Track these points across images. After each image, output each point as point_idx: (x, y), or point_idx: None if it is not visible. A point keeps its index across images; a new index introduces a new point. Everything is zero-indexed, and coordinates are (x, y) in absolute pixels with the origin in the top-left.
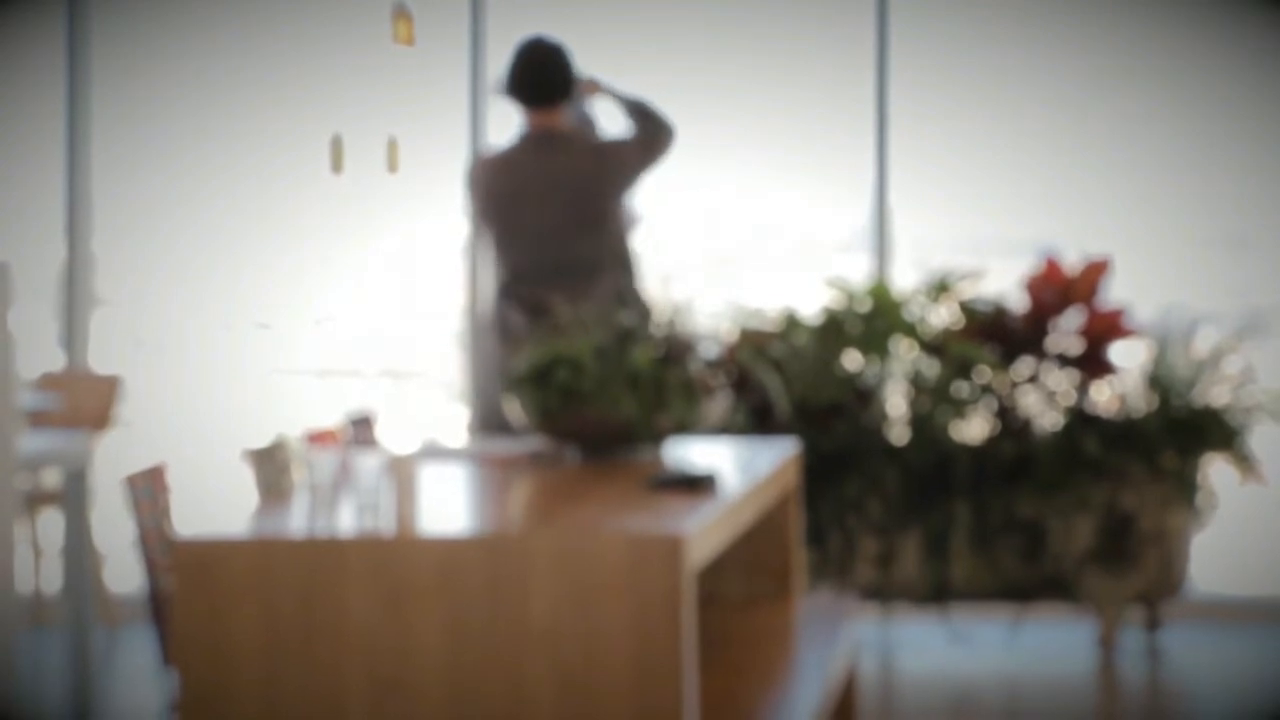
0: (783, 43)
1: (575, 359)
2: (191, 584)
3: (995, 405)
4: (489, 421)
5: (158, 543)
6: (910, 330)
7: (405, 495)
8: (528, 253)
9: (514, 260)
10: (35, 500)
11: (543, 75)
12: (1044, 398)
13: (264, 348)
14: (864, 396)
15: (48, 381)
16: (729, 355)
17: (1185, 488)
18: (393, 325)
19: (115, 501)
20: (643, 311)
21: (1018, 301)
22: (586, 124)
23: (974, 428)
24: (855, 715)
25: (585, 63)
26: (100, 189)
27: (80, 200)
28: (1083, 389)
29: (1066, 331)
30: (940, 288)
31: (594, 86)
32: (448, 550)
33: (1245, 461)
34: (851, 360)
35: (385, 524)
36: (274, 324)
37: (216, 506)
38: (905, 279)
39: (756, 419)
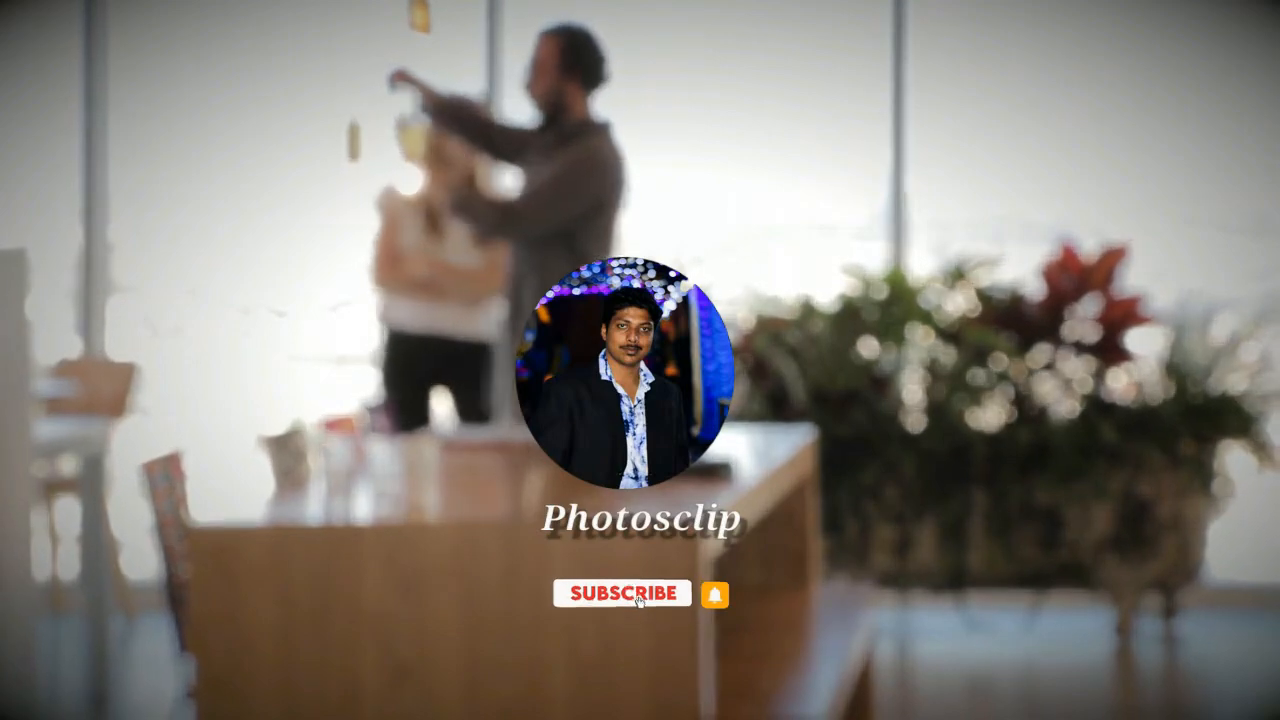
0: (800, 28)
1: None
2: (208, 571)
3: (1012, 392)
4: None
5: (174, 530)
6: (927, 317)
7: (421, 482)
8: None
9: (607, 248)
10: (52, 487)
11: (603, 57)
12: (1061, 385)
13: (280, 334)
14: (881, 384)
15: (64, 368)
16: (746, 343)
17: (1202, 475)
18: None
19: (132, 488)
20: None
21: (1035, 288)
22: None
23: (991, 415)
24: (872, 702)
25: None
26: (117, 176)
27: (97, 187)
28: (1100, 376)
29: (1083, 318)
30: (957, 275)
31: (408, 79)
32: (463, 536)
33: (1263, 448)
34: (868, 347)
35: (401, 511)
36: (290, 311)
37: (233, 493)
38: (922, 265)
39: (773, 406)
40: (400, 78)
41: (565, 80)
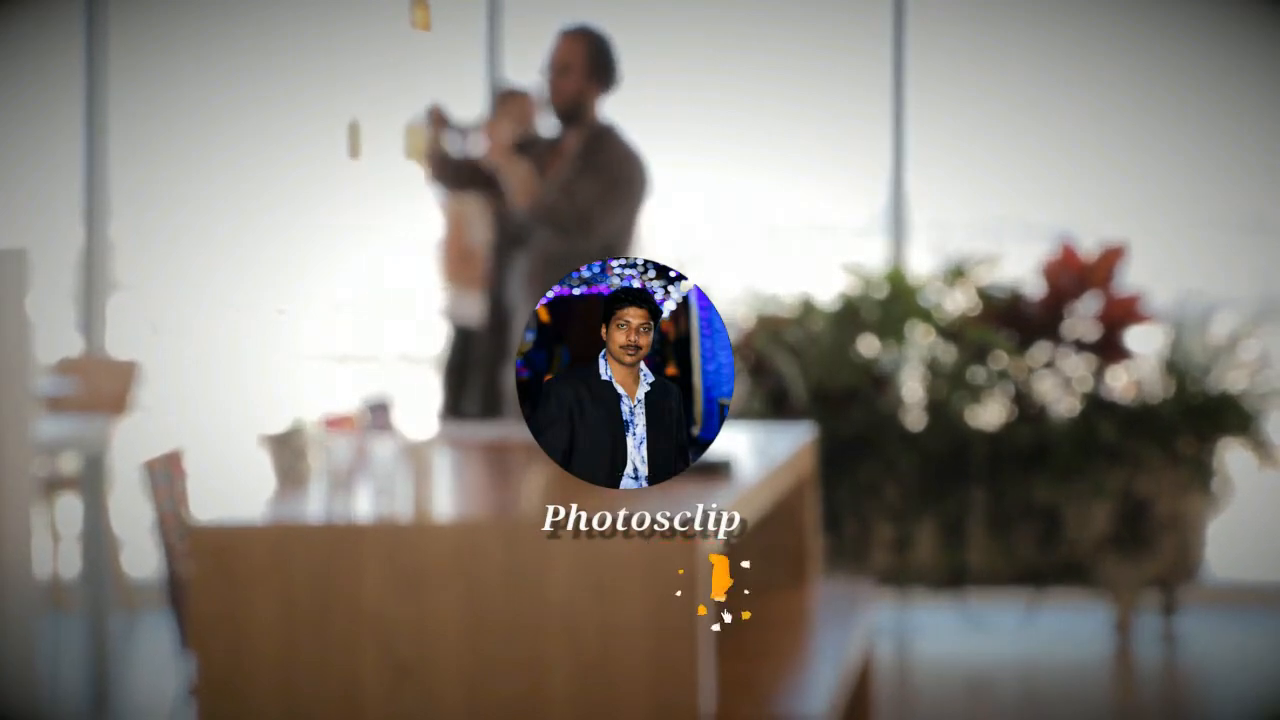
0: (800, 28)
1: None
2: (209, 569)
3: (1012, 391)
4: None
5: (175, 528)
6: (927, 316)
7: (422, 480)
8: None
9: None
10: (53, 485)
11: (618, 60)
12: (1060, 383)
13: (281, 333)
14: (880, 382)
15: (66, 366)
16: (746, 341)
17: (1201, 473)
18: (410, 310)
19: (133, 486)
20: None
21: (1034, 287)
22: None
23: (990, 413)
24: (872, 700)
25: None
26: (117, 176)
27: (97, 187)
28: (1099, 374)
29: (1083, 317)
30: (957, 273)
31: (440, 119)
32: (464, 535)
33: (1262, 446)
34: (868, 346)
35: (402, 509)
36: (291, 309)
37: (233, 492)
38: (922, 264)
39: (773, 404)
40: (436, 115)
41: (591, 82)
